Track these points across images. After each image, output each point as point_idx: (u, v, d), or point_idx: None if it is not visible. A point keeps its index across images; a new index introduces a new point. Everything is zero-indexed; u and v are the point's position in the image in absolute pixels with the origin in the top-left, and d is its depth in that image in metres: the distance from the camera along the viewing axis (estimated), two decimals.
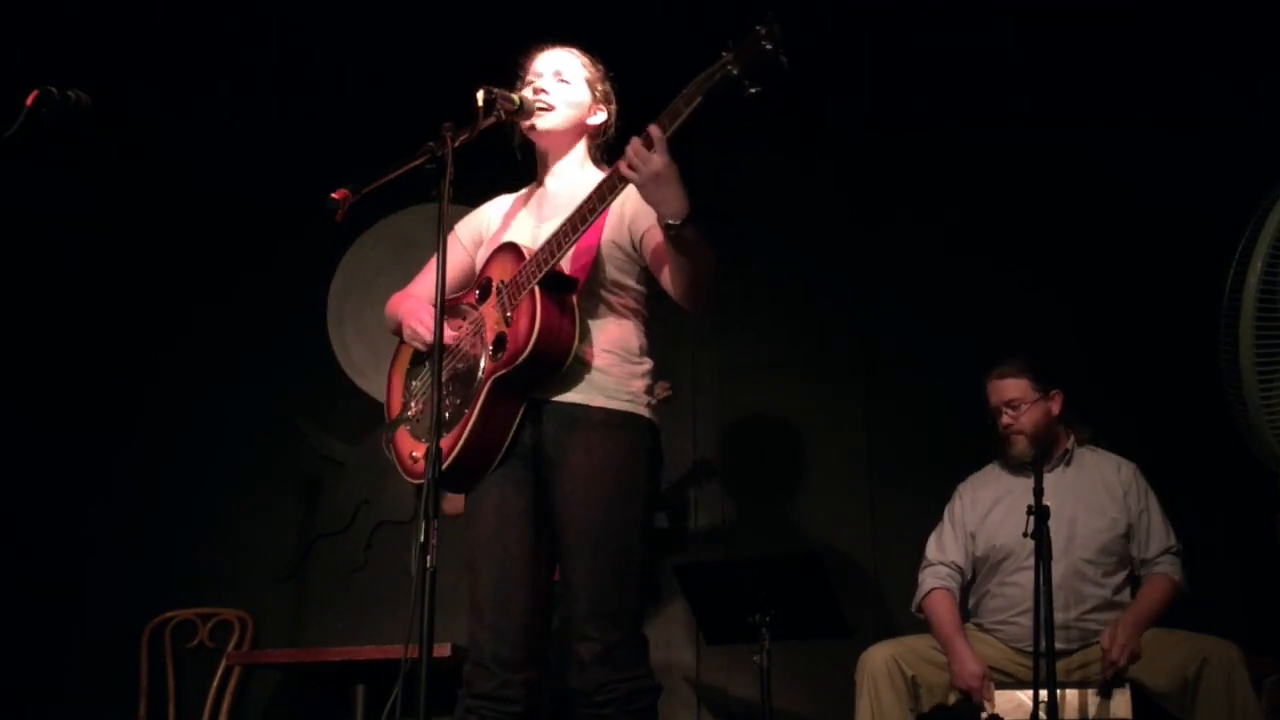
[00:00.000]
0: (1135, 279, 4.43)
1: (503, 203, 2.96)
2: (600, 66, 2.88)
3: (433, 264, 2.86)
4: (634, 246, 2.72)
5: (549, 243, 2.59)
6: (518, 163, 2.92)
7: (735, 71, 2.37)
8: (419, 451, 2.73)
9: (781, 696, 3.79)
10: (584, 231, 2.56)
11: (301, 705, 4.67)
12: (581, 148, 2.86)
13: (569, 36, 2.90)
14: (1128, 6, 4.42)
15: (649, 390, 2.72)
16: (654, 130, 2.42)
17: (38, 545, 4.79)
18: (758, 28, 2.35)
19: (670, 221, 2.45)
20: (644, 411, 2.69)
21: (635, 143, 2.43)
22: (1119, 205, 4.51)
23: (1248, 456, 3.23)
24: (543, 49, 2.86)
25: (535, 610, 2.64)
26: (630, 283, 2.74)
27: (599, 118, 2.86)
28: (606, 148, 2.88)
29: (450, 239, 2.88)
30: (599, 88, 2.85)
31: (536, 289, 2.58)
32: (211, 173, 4.99)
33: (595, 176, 2.79)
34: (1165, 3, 4.40)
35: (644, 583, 2.67)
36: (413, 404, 2.82)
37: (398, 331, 2.89)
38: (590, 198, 2.55)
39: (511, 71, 2.87)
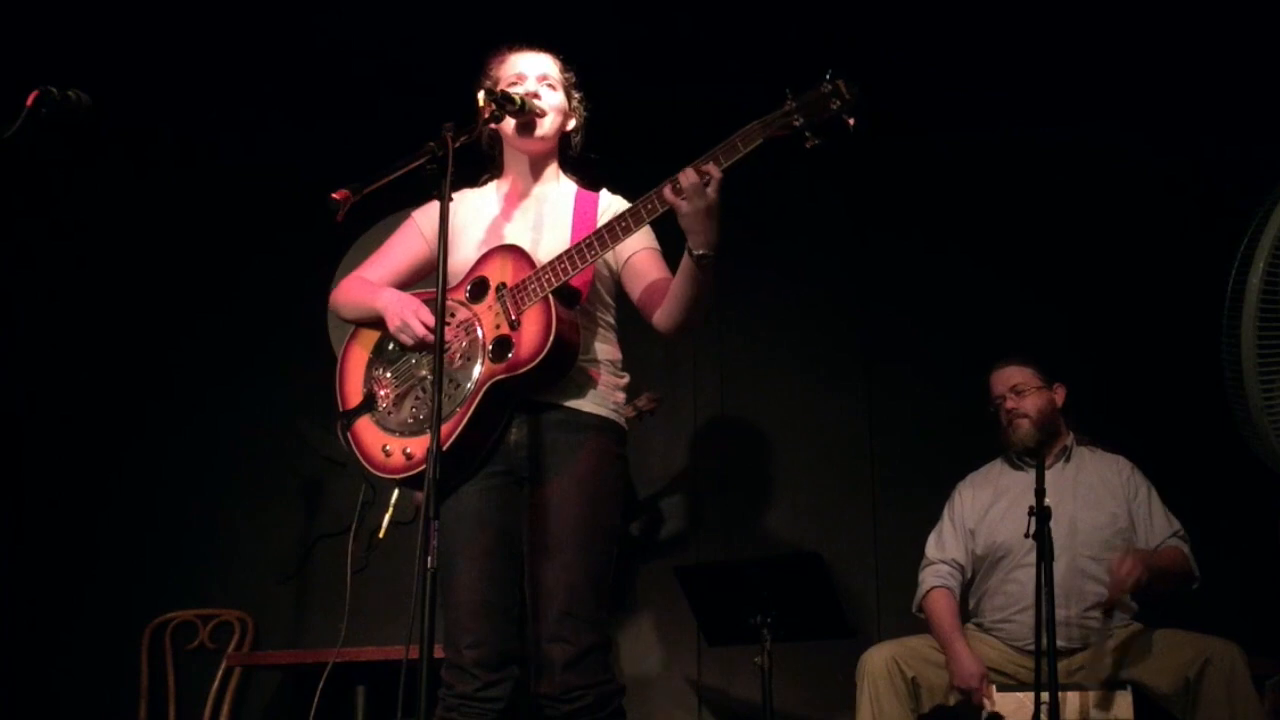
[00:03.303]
0: (1136, 279, 4.43)
1: (467, 198, 2.89)
2: (570, 72, 2.87)
3: (391, 251, 2.88)
4: (616, 265, 2.77)
5: (569, 254, 2.59)
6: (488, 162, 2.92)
7: (798, 123, 2.42)
8: (394, 445, 2.68)
9: (783, 697, 3.79)
10: (613, 248, 2.59)
11: (301, 706, 4.66)
12: (554, 157, 2.87)
13: (572, 39, 2.90)
14: (1128, 6, 4.42)
15: (626, 402, 2.80)
16: (713, 169, 2.46)
17: (39, 546, 4.78)
18: (825, 84, 2.42)
19: (701, 252, 2.51)
20: (623, 422, 2.76)
21: (690, 173, 2.46)
22: (1119, 205, 4.51)
23: (1248, 456, 3.24)
24: (518, 50, 2.84)
25: (513, 610, 2.64)
26: (610, 300, 2.81)
27: (572, 123, 2.87)
28: (578, 155, 2.89)
29: (409, 226, 2.89)
30: (573, 94, 2.86)
31: (551, 298, 2.58)
32: (210, 174, 4.99)
33: (570, 189, 2.84)
34: (1165, 2, 4.40)
35: (610, 588, 2.68)
36: (380, 392, 2.75)
37: (359, 320, 2.82)
38: (624, 216, 2.57)
39: (481, 71, 2.84)
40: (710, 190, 2.46)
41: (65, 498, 4.85)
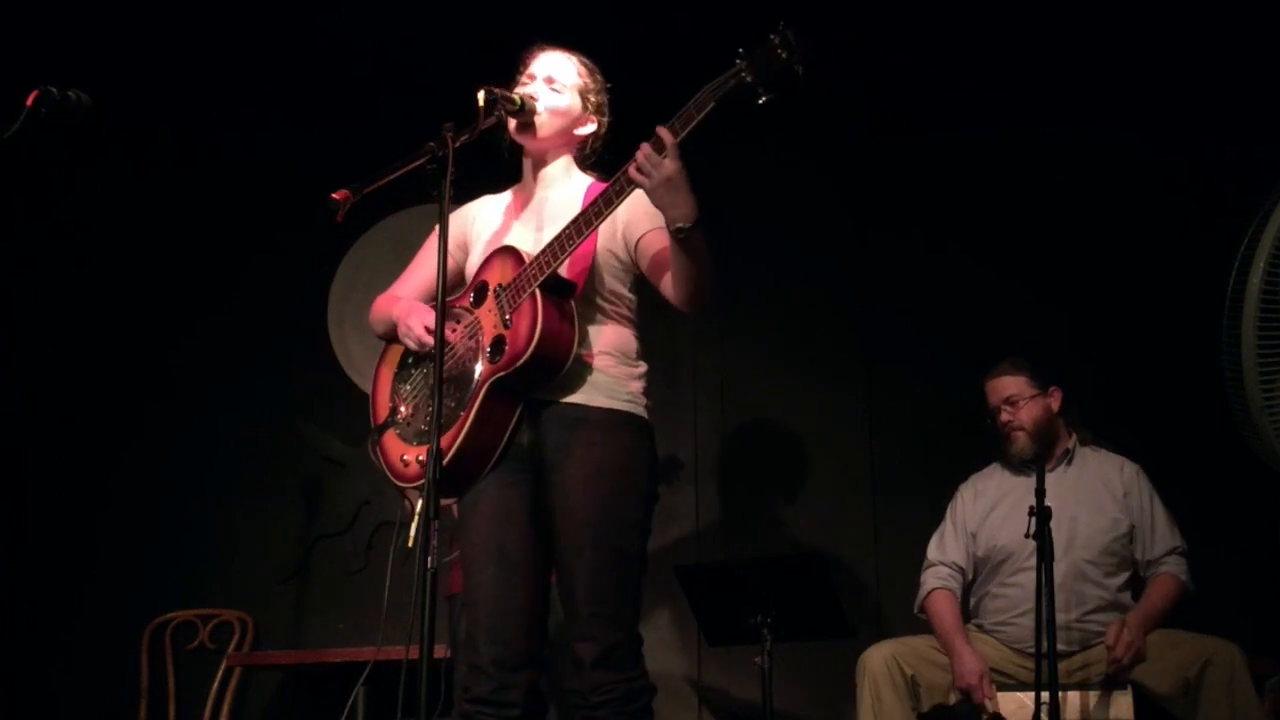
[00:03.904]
0: (1136, 279, 4.43)
1: (487, 205, 2.93)
2: (598, 76, 2.85)
3: (418, 265, 2.92)
4: (629, 254, 2.74)
5: (550, 246, 2.58)
6: (512, 165, 2.91)
7: (749, 79, 2.37)
8: (410, 454, 2.69)
9: (783, 697, 3.78)
10: (588, 236, 2.56)
11: (302, 707, 4.67)
12: (569, 156, 2.85)
13: (572, 39, 2.89)
14: (1128, 6, 4.42)
15: (645, 392, 2.74)
16: (666, 135, 2.42)
17: (39, 546, 4.78)
18: (773, 36, 2.36)
19: (679, 225, 2.47)
20: (642, 412, 2.71)
21: (646, 147, 2.43)
22: (1119, 205, 4.51)
23: (1248, 456, 3.24)
24: (543, 49, 2.84)
25: (533, 612, 2.64)
26: (624, 291, 2.77)
27: (588, 128, 2.84)
28: (596, 159, 2.88)
29: (434, 238, 2.89)
30: (592, 98, 2.83)
31: (538, 292, 2.57)
32: (210, 174, 4.99)
33: (583, 184, 2.81)
34: (1165, 3, 4.40)
35: (642, 583, 2.67)
36: (401, 407, 2.78)
37: (387, 335, 2.86)
38: (596, 201, 2.55)
39: (511, 68, 2.85)
40: (668, 160, 2.42)
41: (65, 498, 4.85)
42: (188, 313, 4.97)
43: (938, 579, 3.77)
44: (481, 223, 2.88)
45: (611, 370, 2.69)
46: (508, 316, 2.61)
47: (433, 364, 2.68)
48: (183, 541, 4.79)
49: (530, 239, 2.75)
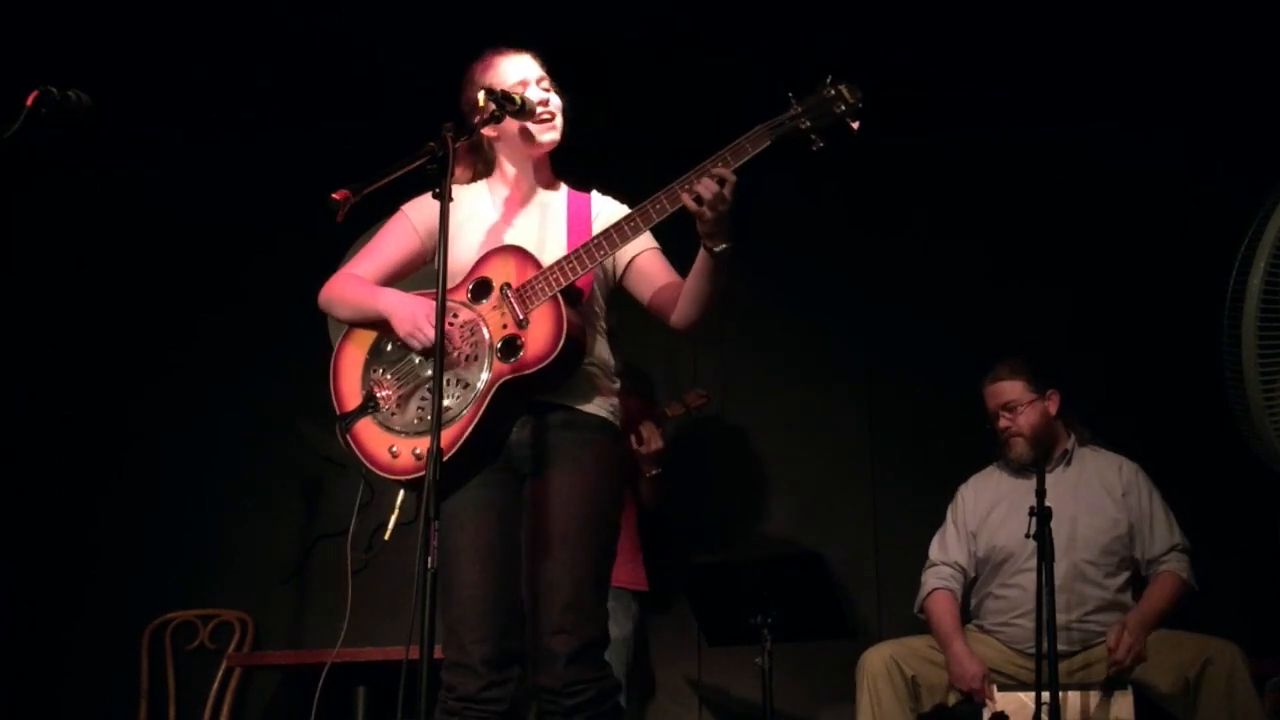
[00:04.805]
0: (1137, 279, 4.43)
1: (461, 197, 2.80)
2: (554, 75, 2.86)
3: (381, 247, 2.86)
4: (615, 270, 2.78)
5: (578, 254, 2.60)
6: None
7: (805, 126, 2.51)
8: (401, 446, 2.64)
9: (783, 697, 3.79)
10: (621, 247, 2.61)
11: (301, 706, 4.66)
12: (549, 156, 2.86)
13: (572, 39, 2.89)
14: (1128, 6, 4.42)
15: (619, 406, 2.80)
16: (728, 173, 2.50)
17: (38, 547, 4.78)
18: (828, 90, 2.50)
19: (720, 248, 2.56)
20: (619, 423, 2.77)
21: (708, 180, 2.50)
22: (1119, 205, 4.51)
23: (1248, 456, 3.23)
24: (505, 54, 2.81)
25: (516, 608, 2.64)
26: (605, 304, 2.81)
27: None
28: (562, 151, 2.88)
29: (400, 221, 2.86)
30: (564, 95, 2.86)
31: (560, 297, 2.58)
32: (210, 174, 4.99)
33: (562, 188, 2.86)
34: (1165, 3, 4.40)
35: (608, 585, 2.71)
36: (381, 393, 2.70)
37: (356, 319, 2.77)
38: (632, 217, 2.59)
39: (467, 79, 2.81)
40: (727, 193, 2.50)
41: (65, 498, 4.84)
42: (188, 313, 4.97)
43: (939, 579, 3.77)
44: (466, 214, 2.80)
45: (599, 380, 2.73)
46: (523, 317, 2.61)
47: (424, 355, 2.66)
48: (183, 541, 4.78)
49: (533, 240, 2.74)
